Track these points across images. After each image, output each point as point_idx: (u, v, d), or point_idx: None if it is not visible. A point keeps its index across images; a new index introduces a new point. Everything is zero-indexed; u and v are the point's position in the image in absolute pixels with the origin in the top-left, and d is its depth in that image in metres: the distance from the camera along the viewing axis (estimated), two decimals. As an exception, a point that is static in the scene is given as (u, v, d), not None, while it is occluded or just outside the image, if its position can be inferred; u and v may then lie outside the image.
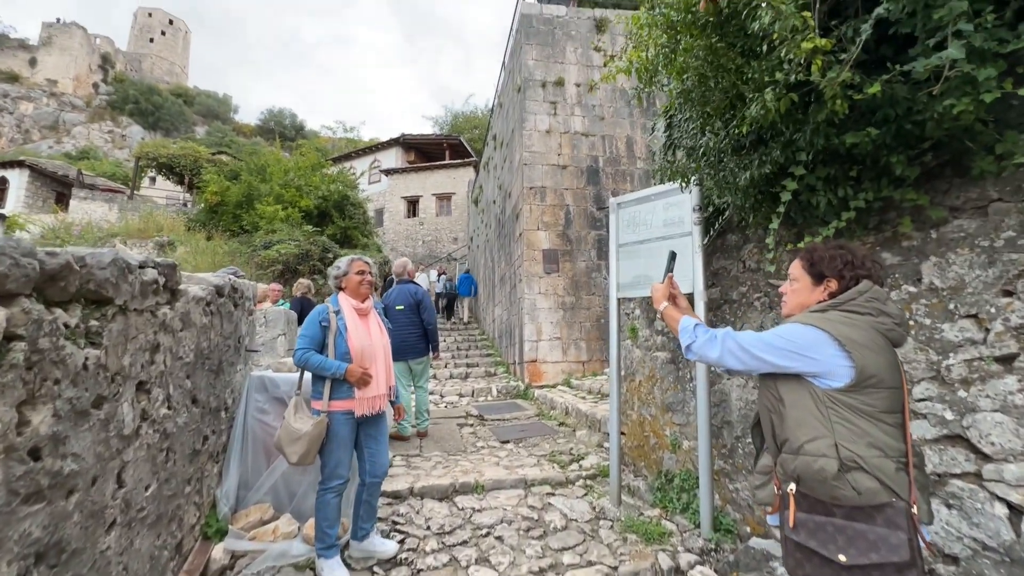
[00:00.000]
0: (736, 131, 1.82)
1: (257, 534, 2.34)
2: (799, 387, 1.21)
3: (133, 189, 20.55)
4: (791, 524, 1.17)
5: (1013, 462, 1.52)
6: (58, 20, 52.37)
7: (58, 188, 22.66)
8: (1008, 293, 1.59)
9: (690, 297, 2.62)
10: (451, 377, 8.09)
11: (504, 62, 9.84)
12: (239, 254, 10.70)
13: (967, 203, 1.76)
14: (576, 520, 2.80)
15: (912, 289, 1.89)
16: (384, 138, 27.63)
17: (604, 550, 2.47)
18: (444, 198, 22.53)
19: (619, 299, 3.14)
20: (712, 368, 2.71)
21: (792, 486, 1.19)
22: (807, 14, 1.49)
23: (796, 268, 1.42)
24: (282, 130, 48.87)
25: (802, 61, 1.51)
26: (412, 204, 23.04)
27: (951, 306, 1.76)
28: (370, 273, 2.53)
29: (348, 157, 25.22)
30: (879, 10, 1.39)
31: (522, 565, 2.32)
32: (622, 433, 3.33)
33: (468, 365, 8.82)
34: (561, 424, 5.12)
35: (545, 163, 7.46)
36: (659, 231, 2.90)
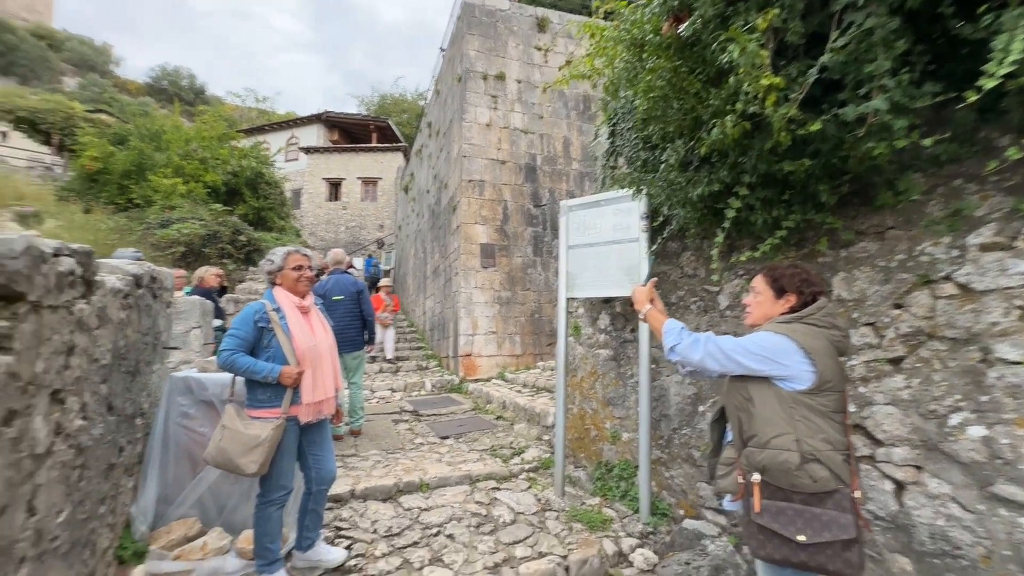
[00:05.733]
0: (697, 151, 1.97)
1: (183, 552, 2.11)
2: (767, 389, 1.37)
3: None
4: (756, 509, 1.33)
5: (899, 446, 1.85)
6: None
7: None
8: (899, 306, 1.91)
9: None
10: (381, 371, 7.81)
11: (443, 47, 9.58)
12: (129, 232, 9.32)
13: (870, 228, 2.08)
14: (524, 513, 2.88)
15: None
16: (302, 114, 25.57)
17: (553, 540, 2.58)
18: (370, 183, 21.48)
19: (568, 299, 3.26)
20: (654, 365, 2.93)
21: (756, 476, 1.35)
22: (764, 52, 1.66)
23: (760, 283, 1.58)
24: (178, 91, 42.78)
25: (758, 95, 1.68)
26: (334, 187, 21.67)
27: (855, 315, 2.07)
28: (309, 268, 2.30)
29: (261, 130, 22.98)
30: (823, 59, 1.59)
31: (476, 562, 2.34)
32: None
33: (398, 359, 8.57)
34: (498, 418, 5.19)
35: (484, 157, 7.43)
36: (608, 235, 3.05)
